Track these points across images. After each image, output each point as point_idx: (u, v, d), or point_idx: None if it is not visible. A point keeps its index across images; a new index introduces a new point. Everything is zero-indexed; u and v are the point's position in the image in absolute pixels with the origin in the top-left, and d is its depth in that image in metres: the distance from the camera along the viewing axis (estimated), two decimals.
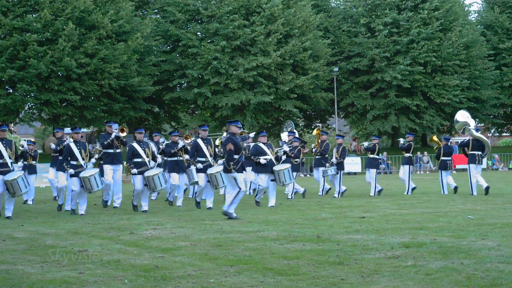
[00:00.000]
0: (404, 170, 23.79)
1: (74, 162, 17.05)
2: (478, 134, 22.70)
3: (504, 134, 67.94)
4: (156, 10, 51.66)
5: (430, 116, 50.52)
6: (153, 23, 47.62)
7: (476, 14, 59.93)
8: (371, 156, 23.09)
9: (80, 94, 41.81)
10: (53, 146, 20.51)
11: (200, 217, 15.83)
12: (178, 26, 47.42)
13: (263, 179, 18.73)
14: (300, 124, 57.50)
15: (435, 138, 24.58)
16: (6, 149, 16.07)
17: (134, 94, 44.26)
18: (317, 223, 14.06)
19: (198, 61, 45.99)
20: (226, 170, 15.44)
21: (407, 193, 23.07)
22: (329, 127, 61.04)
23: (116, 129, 18.86)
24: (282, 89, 46.00)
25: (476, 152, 22.42)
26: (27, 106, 44.73)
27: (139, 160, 17.67)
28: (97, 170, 17.39)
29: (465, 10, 55.65)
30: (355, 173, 43.30)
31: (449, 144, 24.30)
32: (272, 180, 18.59)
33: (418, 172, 45.43)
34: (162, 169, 18.19)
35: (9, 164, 16.14)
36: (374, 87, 50.65)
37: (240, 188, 15.35)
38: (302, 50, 46.73)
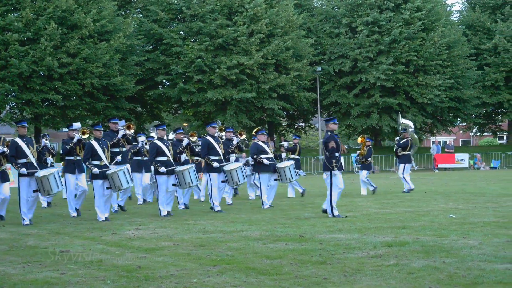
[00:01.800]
0: (400, 168, 23.76)
1: (97, 162, 15.61)
2: (415, 136, 23.31)
3: (486, 133, 68.20)
4: (138, 10, 51.54)
5: (412, 115, 50.65)
6: (136, 22, 47.51)
7: (458, 14, 60.18)
8: (293, 156, 22.93)
9: (62, 93, 41.51)
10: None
11: (183, 217, 15.82)
12: (161, 25, 47.35)
13: (264, 179, 18.29)
14: (283, 124, 57.54)
15: (362, 139, 24.19)
16: (28, 147, 15.10)
17: (116, 93, 44.11)
18: (300, 222, 14.08)
19: (181, 60, 45.96)
20: (327, 169, 15.30)
21: (406, 191, 23.08)
22: (311, 126, 61.12)
23: (122, 126, 17.91)
24: (264, 88, 45.98)
25: (409, 153, 23.22)
26: (8, 106, 44.43)
27: (98, 162, 15.64)
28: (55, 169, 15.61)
29: (447, 10, 55.83)
30: None
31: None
32: (275, 180, 18.44)
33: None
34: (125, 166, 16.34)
35: (35, 164, 15.15)
36: (357, 87, 50.73)
37: (338, 187, 15.25)
38: (284, 50, 46.74)
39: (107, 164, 15.79)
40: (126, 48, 44.30)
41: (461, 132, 71.48)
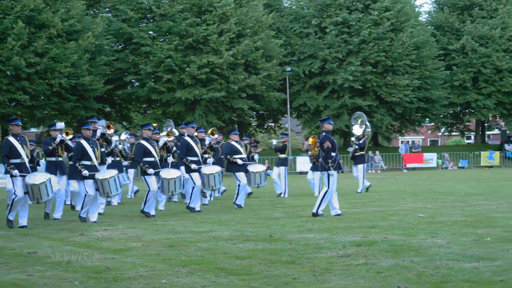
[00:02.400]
0: (357, 169, 23.78)
1: (87, 163, 15.16)
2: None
3: (454, 133, 68.75)
4: (107, 9, 51.16)
5: (381, 115, 50.93)
6: (105, 22, 47.21)
7: (427, 15, 60.53)
8: (283, 156, 23.00)
9: (30, 93, 41.11)
10: None
11: (152, 217, 15.76)
12: (130, 25, 47.06)
13: (242, 177, 18.32)
14: (253, 124, 57.56)
15: (313, 139, 24.11)
16: (22, 147, 14.39)
17: (85, 93, 43.74)
18: (270, 222, 14.10)
19: (151, 60, 45.77)
20: (324, 169, 15.23)
21: (360, 191, 23.14)
22: (281, 126, 61.20)
23: (102, 126, 17.50)
24: (233, 88, 45.96)
25: (363, 153, 23.33)
26: None
27: (88, 163, 15.16)
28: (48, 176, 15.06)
29: (416, 11, 56.14)
30: (307, 172, 43.42)
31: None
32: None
33: (370, 171, 45.83)
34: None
35: (27, 165, 14.50)
36: (327, 89, 50.83)
37: (328, 188, 15.20)
38: (254, 50, 46.74)
39: (97, 165, 15.38)
40: (95, 48, 43.97)
41: (429, 132, 71.97)
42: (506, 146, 53.07)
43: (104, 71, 45.53)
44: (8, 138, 14.54)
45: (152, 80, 46.59)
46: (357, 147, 23.38)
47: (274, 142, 23.54)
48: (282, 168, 22.79)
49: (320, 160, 15.49)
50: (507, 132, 64.01)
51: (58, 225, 14.51)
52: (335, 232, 11.99)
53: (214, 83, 45.98)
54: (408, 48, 50.46)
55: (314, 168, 23.12)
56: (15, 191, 14.12)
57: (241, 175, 18.29)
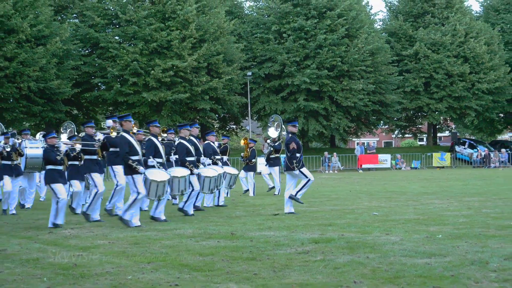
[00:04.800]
0: (274, 170, 23.39)
1: (136, 157, 13.74)
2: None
3: (407, 135, 69.42)
4: (75, 15, 50.75)
5: (338, 118, 51.22)
6: (72, 27, 46.82)
7: (381, 22, 61.03)
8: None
9: None
10: None
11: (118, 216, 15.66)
12: (97, 30, 46.80)
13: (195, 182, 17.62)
14: (215, 126, 57.50)
15: (245, 141, 24.10)
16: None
17: (53, 96, 43.36)
18: (232, 220, 14.09)
19: (117, 63, 45.53)
20: (288, 168, 15.22)
21: (278, 193, 22.77)
22: (242, 129, 61.24)
23: (108, 127, 16.10)
24: (196, 90, 45.93)
25: (279, 155, 23.19)
26: None
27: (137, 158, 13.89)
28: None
29: (371, 18, 56.54)
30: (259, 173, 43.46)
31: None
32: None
33: (327, 172, 46.05)
34: None
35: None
36: (285, 91, 51.01)
37: (309, 179, 15.25)
38: (215, 54, 46.76)
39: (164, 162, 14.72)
40: (62, 53, 43.62)
41: (383, 134, 72.60)
42: (457, 148, 53.75)
43: (72, 75, 45.19)
44: None
45: (119, 83, 46.35)
46: (272, 149, 23.24)
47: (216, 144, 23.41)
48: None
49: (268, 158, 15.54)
50: (458, 134, 64.90)
51: (27, 223, 14.36)
52: (294, 230, 12.02)
53: (178, 86, 45.94)
54: (363, 54, 50.82)
55: (247, 169, 23.22)
56: None
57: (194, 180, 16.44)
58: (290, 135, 15.60)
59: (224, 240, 10.89)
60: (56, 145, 13.92)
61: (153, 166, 14.30)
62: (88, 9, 47.49)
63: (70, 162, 16.00)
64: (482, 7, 62.82)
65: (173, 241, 10.90)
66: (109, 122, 16.45)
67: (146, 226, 13.24)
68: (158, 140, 14.91)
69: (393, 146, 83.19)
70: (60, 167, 13.86)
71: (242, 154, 23.93)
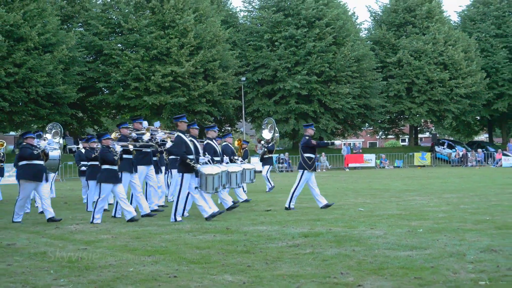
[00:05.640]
0: (265, 169, 23.43)
1: (191, 157, 13.35)
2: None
3: (390, 136, 69.53)
4: (80, 24, 50.63)
5: (326, 120, 51.25)
6: (78, 35, 46.71)
7: (366, 31, 61.03)
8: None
9: (9, 100, 40.62)
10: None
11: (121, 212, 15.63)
12: (101, 38, 46.76)
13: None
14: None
15: (239, 142, 24.03)
16: None
17: (59, 100, 43.27)
18: (227, 216, 14.07)
19: (120, 69, 45.45)
20: (302, 167, 15.54)
21: (268, 190, 22.93)
22: (237, 130, 61.19)
23: (157, 127, 15.86)
24: (194, 94, 45.91)
25: (271, 155, 23.59)
26: None
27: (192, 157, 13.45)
28: None
29: (357, 27, 56.57)
30: (260, 171, 43.46)
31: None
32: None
33: (316, 170, 45.99)
34: None
35: None
36: (277, 95, 51.03)
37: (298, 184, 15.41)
38: (212, 60, 46.77)
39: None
40: (68, 59, 43.52)
41: (368, 135, 72.64)
42: (436, 148, 53.85)
43: (77, 80, 45.10)
44: None
45: (121, 87, 46.28)
46: (266, 149, 23.23)
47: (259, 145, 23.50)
48: None
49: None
50: (437, 135, 65.05)
51: (35, 219, 14.33)
52: (285, 225, 12.02)
53: (177, 90, 45.91)
54: (350, 61, 50.90)
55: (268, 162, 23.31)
56: None
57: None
58: (307, 137, 15.70)
59: (220, 235, 10.88)
60: (110, 146, 13.79)
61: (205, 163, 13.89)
62: (92, 18, 47.43)
63: (90, 163, 16.08)
64: (459, 17, 62.90)
65: (172, 236, 10.88)
66: (157, 123, 17.02)
67: (146, 222, 13.22)
68: (186, 136, 13.83)
69: (377, 146, 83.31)
70: (115, 167, 13.71)
71: (236, 154, 23.88)
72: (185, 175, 13.20)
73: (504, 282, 6.80)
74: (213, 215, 13.19)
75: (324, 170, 46.06)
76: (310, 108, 50.48)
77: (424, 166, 49.13)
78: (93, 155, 15.83)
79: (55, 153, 15.44)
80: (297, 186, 15.28)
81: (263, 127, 22.40)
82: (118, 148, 13.91)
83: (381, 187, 24.13)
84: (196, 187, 13.34)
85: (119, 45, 47.28)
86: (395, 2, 58.19)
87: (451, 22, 61.10)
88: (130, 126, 15.78)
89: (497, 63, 57.10)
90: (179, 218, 13.11)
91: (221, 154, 16.01)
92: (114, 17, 47.89)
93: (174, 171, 16.25)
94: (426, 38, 55.13)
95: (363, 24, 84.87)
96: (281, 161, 46.32)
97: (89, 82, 47.31)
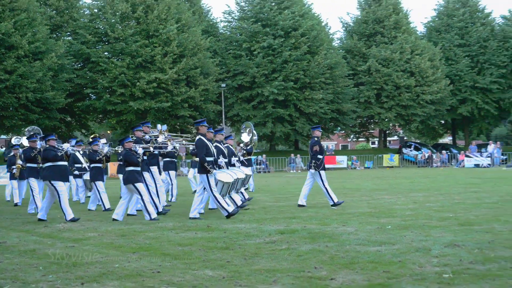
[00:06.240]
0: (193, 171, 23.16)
1: (210, 158, 13.29)
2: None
3: (361, 139, 69.78)
4: (69, 33, 50.33)
5: (301, 124, 51.38)
6: (66, 44, 46.46)
7: (339, 41, 61.26)
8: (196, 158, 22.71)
9: (0, 105, 40.29)
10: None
11: (109, 212, 15.54)
12: (88, 46, 46.58)
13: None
14: (194, 131, 57.26)
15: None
16: None
17: (48, 105, 43.01)
18: (207, 214, 14.05)
19: (106, 76, 45.27)
20: (310, 167, 15.43)
21: (252, 190, 22.83)
22: None
23: (165, 130, 15.54)
24: (177, 99, 45.86)
25: (251, 157, 23.10)
26: None
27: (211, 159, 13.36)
28: None
29: (330, 37, 56.75)
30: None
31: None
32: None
33: (292, 171, 46.11)
34: None
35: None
36: (255, 100, 51.09)
37: (325, 188, 15.32)
38: (193, 68, 46.74)
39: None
40: (57, 67, 43.27)
41: (340, 138, 72.87)
42: (404, 150, 54.11)
43: (66, 86, 44.89)
44: None
45: (108, 93, 46.09)
46: (245, 152, 23.21)
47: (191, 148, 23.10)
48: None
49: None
50: (405, 138, 65.38)
51: (25, 218, 14.19)
52: (262, 223, 12.01)
53: (161, 96, 45.83)
54: (323, 68, 51.11)
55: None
56: None
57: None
58: (316, 138, 15.80)
59: (201, 232, 10.84)
60: (133, 149, 13.68)
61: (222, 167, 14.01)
62: (80, 28, 47.22)
63: (93, 165, 15.98)
64: (425, 28, 63.29)
65: (156, 233, 10.84)
66: (164, 126, 16.58)
67: (131, 220, 13.15)
68: (208, 140, 13.71)
69: (349, 148, 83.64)
70: (139, 168, 13.64)
71: None
72: (209, 175, 13.16)
73: (467, 275, 6.85)
74: (233, 213, 13.17)
75: (299, 171, 46.12)
76: (286, 112, 50.65)
77: (392, 167, 49.35)
78: (33, 154, 15.46)
79: None
80: (324, 185, 15.29)
81: (242, 130, 22.33)
82: (140, 150, 13.93)
83: (352, 186, 24.20)
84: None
85: (105, 53, 47.09)
86: (365, 13, 58.51)
87: (418, 32, 61.46)
88: (142, 129, 15.56)
89: (460, 71, 57.56)
90: (229, 209, 13.01)
91: (227, 156, 15.94)
92: (101, 26, 47.70)
93: (172, 173, 17.82)
94: (394, 47, 55.42)
95: (336, 34, 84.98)
96: (259, 162, 46.33)
97: (77, 88, 47.10)
